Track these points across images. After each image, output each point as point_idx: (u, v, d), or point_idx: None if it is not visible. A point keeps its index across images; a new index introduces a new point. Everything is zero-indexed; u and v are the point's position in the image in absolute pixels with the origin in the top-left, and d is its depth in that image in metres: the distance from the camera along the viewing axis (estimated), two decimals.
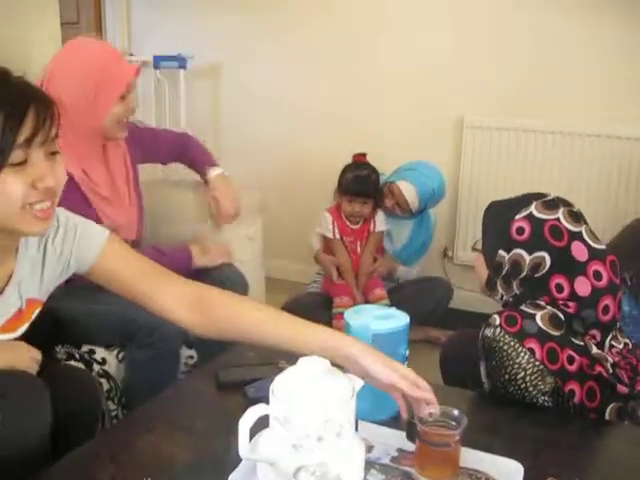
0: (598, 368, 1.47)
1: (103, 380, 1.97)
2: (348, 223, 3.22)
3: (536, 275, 1.52)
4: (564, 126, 3.30)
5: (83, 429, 1.57)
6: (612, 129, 3.22)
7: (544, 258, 1.51)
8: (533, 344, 1.44)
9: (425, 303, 3.12)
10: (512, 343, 1.45)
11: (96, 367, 1.97)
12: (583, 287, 1.49)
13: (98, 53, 2.10)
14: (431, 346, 3.19)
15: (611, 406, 1.49)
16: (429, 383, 1.27)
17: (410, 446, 1.31)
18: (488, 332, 1.48)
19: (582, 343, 1.48)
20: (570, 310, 1.50)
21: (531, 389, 1.46)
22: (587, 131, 3.26)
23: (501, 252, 1.58)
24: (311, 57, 3.77)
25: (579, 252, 1.51)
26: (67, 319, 2.00)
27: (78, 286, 2.02)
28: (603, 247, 1.55)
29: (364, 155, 3.21)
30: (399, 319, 1.44)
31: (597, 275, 1.50)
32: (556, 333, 1.46)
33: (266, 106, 3.84)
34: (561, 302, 1.51)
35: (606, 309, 1.51)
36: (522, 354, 1.44)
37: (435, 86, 3.51)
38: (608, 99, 3.23)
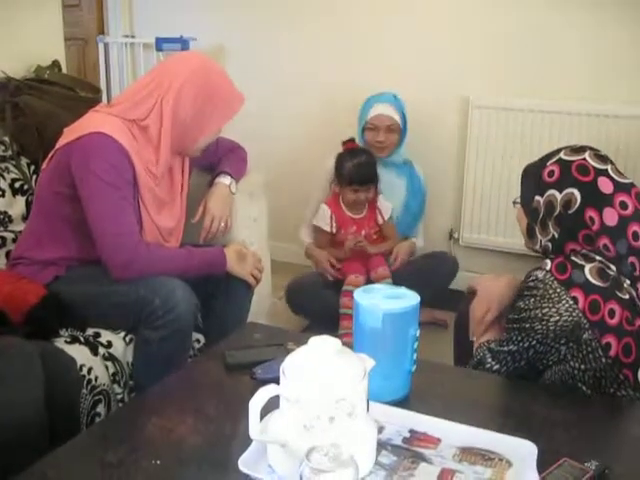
0: (638, 322, 1.52)
1: (109, 363, 1.94)
2: (349, 213, 3.16)
3: (569, 211, 1.59)
4: (571, 106, 3.26)
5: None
6: (622, 109, 3.18)
7: (573, 193, 1.58)
8: (578, 293, 1.51)
9: (431, 278, 3.09)
10: (558, 290, 1.52)
11: (101, 350, 1.94)
12: (611, 217, 1.56)
13: (221, 78, 2.11)
14: (437, 328, 3.19)
15: None
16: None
17: (421, 427, 1.29)
18: (539, 274, 1.56)
19: (627, 297, 1.53)
20: (611, 253, 1.55)
21: (558, 332, 1.51)
22: (594, 111, 3.22)
23: (536, 197, 1.66)
24: (315, 39, 3.72)
25: (605, 185, 1.58)
26: (74, 302, 1.98)
27: (86, 270, 2.04)
28: (629, 181, 1.61)
29: (353, 140, 3.17)
30: (409, 299, 1.42)
31: (623, 205, 1.57)
32: (602, 285, 1.51)
33: (270, 89, 3.81)
34: (600, 244, 1.56)
35: (635, 235, 1.56)
36: (564, 301, 1.51)
37: (441, 65, 3.47)
38: (617, 80, 3.20)
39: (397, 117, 3.17)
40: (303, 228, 3.28)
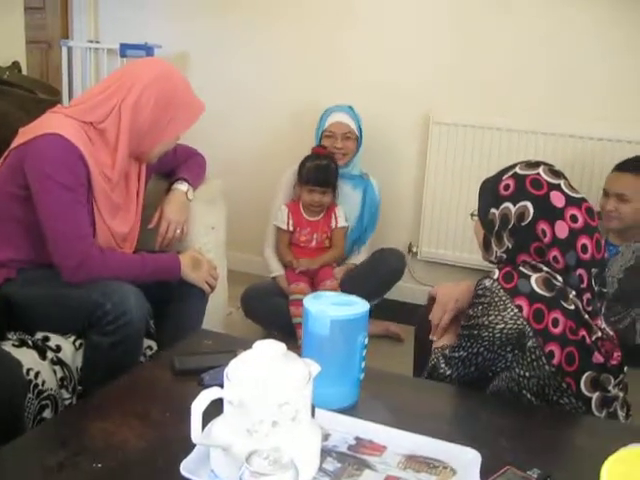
0: (582, 332, 1.55)
1: (57, 368, 1.90)
2: (306, 215, 3.23)
3: (523, 224, 1.62)
4: (530, 124, 3.31)
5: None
6: (579, 129, 3.24)
7: (526, 207, 1.62)
8: (522, 302, 1.54)
9: (380, 272, 3.19)
10: (504, 298, 1.55)
11: (50, 354, 1.90)
12: (562, 229, 1.60)
13: (183, 86, 2.09)
14: (390, 341, 3.19)
15: (587, 374, 1.55)
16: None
17: (367, 434, 1.29)
18: (487, 282, 1.59)
19: (572, 307, 1.56)
20: (559, 265, 1.59)
21: (504, 339, 1.55)
22: (553, 130, 3.27)
23: (492, 210, 1.69)
24: (280, 48, 3.74)
25: (557, 199, 1.62)
26: (24, 305, 1.94)
27: (37, 272, 2.01)
28: (581, 196, 1.66)
29: (324, 147, 3.24)
30: (358, 306, 1.42)
31: (573, 218, 1.61)
32: (547, 294, 1.54)
33: (233, 98, 3.82)
34: (550, 256, 1.60)
35: (584, 247, 1.60)
36: (509, 309, 1.54)
37: (402, 82, 3.51)
38: (576, 99, 3.26)
39: (353, 126, 3.27)
40: (267, 235, 3.30)
